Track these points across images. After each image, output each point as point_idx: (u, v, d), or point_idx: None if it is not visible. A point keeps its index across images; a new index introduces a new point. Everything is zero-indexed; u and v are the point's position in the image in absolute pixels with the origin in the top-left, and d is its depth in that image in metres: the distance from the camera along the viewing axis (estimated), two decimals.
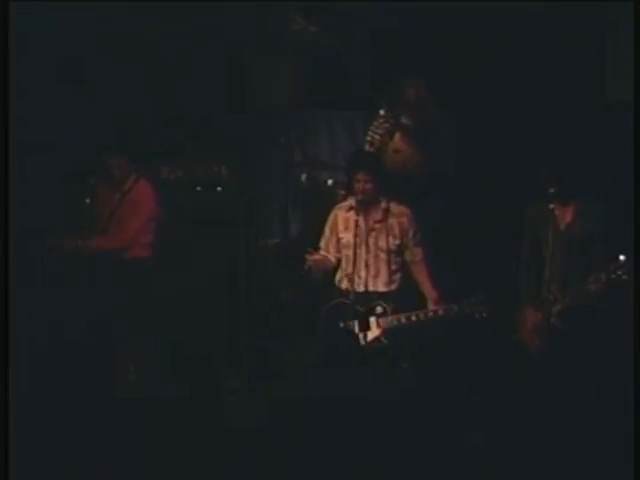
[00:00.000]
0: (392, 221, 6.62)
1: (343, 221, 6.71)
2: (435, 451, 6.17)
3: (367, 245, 6.60)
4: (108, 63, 8.06)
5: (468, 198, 7.57)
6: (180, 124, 8.13)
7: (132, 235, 7.19)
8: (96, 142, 7.60)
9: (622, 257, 5.85)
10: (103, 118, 7.95)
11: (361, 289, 6.57)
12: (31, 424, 6.28)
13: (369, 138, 7.63)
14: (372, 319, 6.55)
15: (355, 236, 6.57)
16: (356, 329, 6.55)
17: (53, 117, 7.89)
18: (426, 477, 5.95)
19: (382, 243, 6.61)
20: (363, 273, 6.59)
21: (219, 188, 8.00)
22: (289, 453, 6.27)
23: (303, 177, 8.39)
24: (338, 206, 6.83)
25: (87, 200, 7.22)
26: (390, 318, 6.51)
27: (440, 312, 6.46)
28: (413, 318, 6.47)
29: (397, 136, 7.58)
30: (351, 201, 6.75)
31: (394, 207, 6.65)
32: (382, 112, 7.57)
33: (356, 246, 6.55)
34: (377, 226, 6.61)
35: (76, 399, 6.80)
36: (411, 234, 6.63)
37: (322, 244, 6.82)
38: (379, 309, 6.54)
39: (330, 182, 8.17)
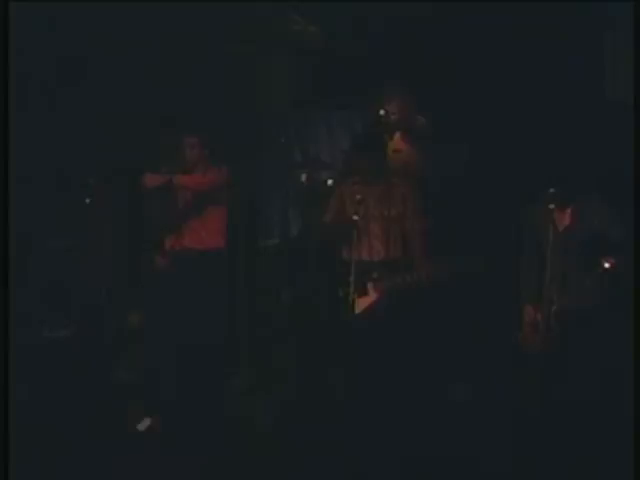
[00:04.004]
0: (395, 190, 6.73)
1: (349, 195, 6.79)
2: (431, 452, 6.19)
3: (373, 215, 6.68)
4: (107, 63, 8.07)
5: (468, 198, 7.57)
6: (180, 124, 8.13)
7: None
8: (95, 142, 7.62)
9: (620, 258, 5.86)
10: (102, 118, 7.96)
11: (368, 258, 6.69)
12: (30, 421, 6.30)
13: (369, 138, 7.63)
14: (369, 285, 6.63)
15: (362, 208, 6.66)
16: (354, 295, 6.63)
17: (53, 117, 7.90)
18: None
19: (386, 212, 6.72)
20: (371, 242, 6.69)
21: None
22: (290, 453, 6.28)
23: (303, 177, 8.39)
24: (342, 183, 6.95)
25: (87, 200, 7.23)
26: (386, 281, 6.59)
27: (431, 271, 6.54)
28: (408, 279, 6.54)
29: (397, 136, 7.59)
30: (355, 177, 6.86)
31: (396, 179, 6.79)
32: (382, 112, 7.58)
33: (363, 217, 6.64)
34: (382, 197, 6.70)
35: (75, 399, 6.81)
36: (411, 203, 6.69)
37: (327, 219, 6.92)
38: (375, 274, 6.62)
39: (330, 182, 8.17)
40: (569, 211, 6.17)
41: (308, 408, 6.75)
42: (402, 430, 6.33)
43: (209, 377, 7.27)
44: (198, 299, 7.13)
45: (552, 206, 6.14)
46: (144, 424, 6.63)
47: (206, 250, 7.19)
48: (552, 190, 6.11)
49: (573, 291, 6.04)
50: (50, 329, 7.45)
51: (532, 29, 7.85)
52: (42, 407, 6.73)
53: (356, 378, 6.55)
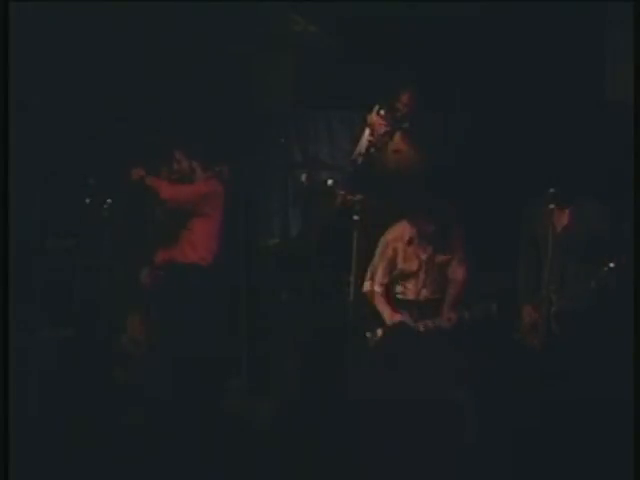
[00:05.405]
0: (448, 234, 6.82)
1: (402, 253, 6.88)
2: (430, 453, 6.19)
3: (427, 272, 6.82)
4: (107, 63, 8.07)
5: (467, 199, 7.57)
6: (180, 124, 8.13)
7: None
8: (96, 142, 7.63)
9: (618, 261, 5.86)
10: (101, 118, 7.97)
11: (413, 297, 6.86)
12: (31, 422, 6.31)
13: (370, 138, 7.64)
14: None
15: (419, 269, 6.82)
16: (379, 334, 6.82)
17: (53, 117, 7.90)
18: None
19: (437, 260, 6.83)
20: (422, 291, 6.86)
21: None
22: (290, 454, 6.28)
23: (303, 177, 8.38)
24: (392, 236, 6.94)
25: (87, 200, 7.22)
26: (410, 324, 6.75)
27: (453, 319, 6.66)
28: (430, 325, 6.71)
29: (397, 136, 7.59)
30: (409, 232, 6.86)
31: (452, 222, 6.86)
32: (382, 112, 7.58)
33: (420, 277, 6.82)
34: (437, 255, 6.81)
35: (75, 400, 6.81)
36: (460, 250, 6.82)
37: (370, 270, 6.96)
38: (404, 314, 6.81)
39: (330, 182, 8.15)
40: (569, 211, 6.17)
41: (308, 410, 6.75)
42: (402, 430, 6.32)
43: (209, 378, 7.28)
44: (197, 301, 7.14)
45: (552, 206, 6.14)
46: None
47: (196, 261, 7.20)
48: (552, 190, 6.11)
49: (572, 291, 6.05)
50: (50, 329, 7.45)
51: (532, 29, 7.85)
52: (42, 407, 6.73)
53: (357, 379, 6.55)
